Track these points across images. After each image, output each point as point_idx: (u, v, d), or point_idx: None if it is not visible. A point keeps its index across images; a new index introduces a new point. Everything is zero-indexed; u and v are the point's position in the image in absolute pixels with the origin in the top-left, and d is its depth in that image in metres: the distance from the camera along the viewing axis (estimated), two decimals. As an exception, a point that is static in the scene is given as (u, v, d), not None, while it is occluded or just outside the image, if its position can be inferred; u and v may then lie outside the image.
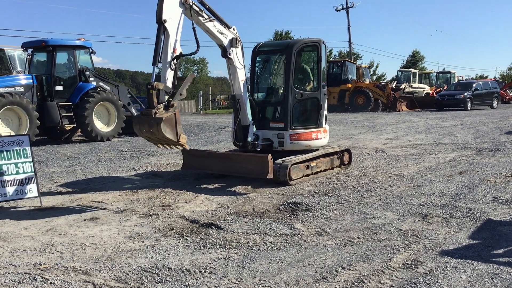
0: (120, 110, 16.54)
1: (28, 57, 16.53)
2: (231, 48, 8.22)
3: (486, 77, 78.54)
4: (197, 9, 7.46)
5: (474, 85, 31.90)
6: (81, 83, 15.95)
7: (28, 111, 14.05)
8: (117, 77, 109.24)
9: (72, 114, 15.44)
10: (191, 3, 7.30)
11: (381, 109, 31.13)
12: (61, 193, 8.05)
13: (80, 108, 15.43)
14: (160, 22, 6.85)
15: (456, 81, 40.78)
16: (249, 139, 8.55)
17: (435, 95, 34.60)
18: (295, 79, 8.71)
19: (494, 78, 65.56)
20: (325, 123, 9.19)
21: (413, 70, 41.61)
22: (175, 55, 6.99)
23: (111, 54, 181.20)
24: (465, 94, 30.22)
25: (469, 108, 30.02)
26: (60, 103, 15.23)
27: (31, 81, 14.96)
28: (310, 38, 9.11)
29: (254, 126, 8.67)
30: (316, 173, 8.86)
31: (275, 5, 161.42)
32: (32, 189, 7.15)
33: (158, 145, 7.29)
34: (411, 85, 37.40)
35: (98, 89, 16.13)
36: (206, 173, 9.28)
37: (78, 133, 17.10)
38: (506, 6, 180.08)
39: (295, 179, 8.28)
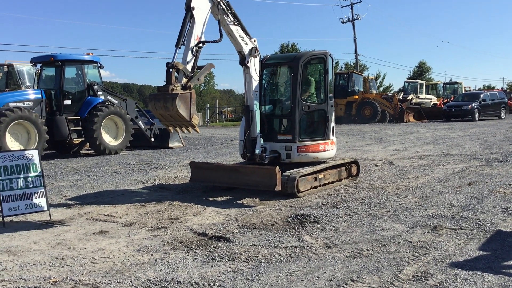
0: (128, 124, 16.62)
1: (37, 72, 16.68)
2: (250, 57, 8.42)
3: (493, 88, 78.26)
4: (223, 7, 7.81)
5: (481, 95, 31.80)
6: (89, 97, 16.05)
7: (37, 125, 14.15)
8: (125, 91, 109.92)
9: (80, 128, 15.52)
10: (219, 0, 7.67)
11: (388, 120, 31.06)
12: (70, 206, 8.08)
13: (89, 122, 15.52)
14: (188, 9, 7.19)
15: (463, 91, 40.67)
16: (257, 151, 8.57)
17: (442, 106, 34.49)
18: (302, 92, 8.77)
19: (502, 88, 65.36)
20: (333, 135, 9.22)
21: (420, 81, 41.54)
22: (198, 41, 7.27)
23: (119, 68, 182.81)
24: (473, 104, 30.12)
25: (477, 119, 29.90)
26: (68, 117, 15.32)
27: (40, 95, 15.09)
28: (317, 51, 9.24)
29: (261, 138, 8.71)
30: (324, 185, 8.85)
31: (281, 18, 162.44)
32: (41, 203, 7.18)
33: (170, 127, 7.47)
34: (418, 96, 37.30)
35: (107, 103, 16.23)
36: (214, 185, 9.30)
37: (87, 147, 17.17)
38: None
39: (303, 191, 8.28)
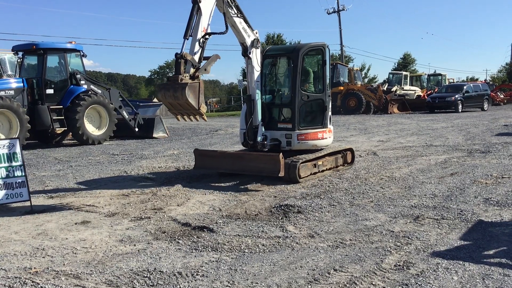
0: (112, 113, 16.47)
1: (18, 60, 16.42)
2: (252, 48, 8.67)
3: (477, 80, 79.08)
4: (228, 0, 8.05)
5: (465, 87, 32.08)
6: (72, 86, 15.87)
7: (18, 114, 13.96)
8: (109, 80, 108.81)
9: (63, 117, 15.35)
10: None
11: (373, 111, 31.22)
12: (52, 197, 7.99)
13: (71, 111, 15.36)
14: (196, 2, 7.42)
15: (447, 83, 40.99)
16: (259, 139, 8.90)
17: (426, 97, 34.76)
18: (302, 82, 9.05)
19: (485, 80, 66.02)
20: (330, 123, 9.53)
21: (404, 73, 41.77)
22: (204, 33, 7.50)
23: (102, 57, 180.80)
24: (456, 96, 30.39)
25: (460, 110, 30.17)
26: (51, 107, 15.15)
27: (22, 84, 14.88)
28: (315, 42, 9.45)
29: (262, 126, 8.98)
30: (322, 171, 9.19)
31: (267, 8, 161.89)
32: (22, 193, 7.09)
33: (178, 116, 7.67)
34: (403, 88, 37.56)
35: (89, 92, 16.06)
36: (200, 175, 9.30)
37: (69, 137, 17.01)
38: (497, 10, 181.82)
39: (304, 177, 8.59)
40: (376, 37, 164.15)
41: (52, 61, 15.94)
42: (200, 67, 7.44)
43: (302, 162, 8.51)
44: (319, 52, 9.42)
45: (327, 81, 9.34)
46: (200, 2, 7.43)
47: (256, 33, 8.79)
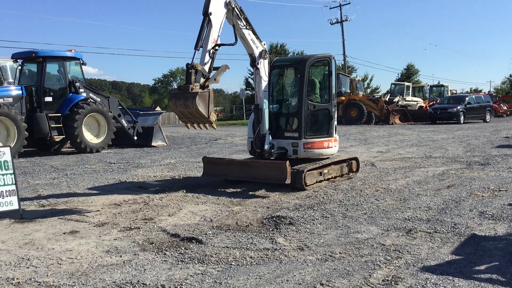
0: (110, 122, 16.44)
1: (18, 68, 16.44)
2: (260, 59, 8.93)
3: (480, 91, 79.00)
4: (237, 12, 8.31)
5: (467, 98, 31.99)
6: (71, 94, 15.87)
7: (16, 122, 13.94)
8: (113, 89, 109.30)
9: (61, 125, 15.33)
10: (233, 6, 8.18)
11: (374, 122, 31.16)
12: (43, 205, 7.92)
13: (70, 119, 15.34)
14: (206, 14, 7.67)
15: (449, 94, 40.91)
16: (266, 147, 9.12)
17: (428, 108, 34.66)
18: (308, 92, 9.27)
19: (489, 91, 65.90)
20: (335, 132, 9.76)
21: (406, 83, 41.74)
22: (214, 44, 7.73)
23: (107, 65, 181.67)
24: (458, 107, 30.29)
25: (461, 122, 30.06)
26: (49, 114, 15.13)
27: (21, 92, 14.88)
28: (321, 54, 9.67)
29: (270, 135, 9.20)
30: (328, 179, 9.36)
31: (270, 18, 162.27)
32: (12, 202, 7.03)
33: (188, 124, 7.88)
34: (405, 98, 37.49)
35: (88, 100, 16.05)
36: (195, 184, 9.25)
37: (68, 145, 16.98)
38: (502, 21, 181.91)
39: (309, 185, 8.77)
40: (379, 47, 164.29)
41: (51, 68, 15.96)
42: (210, 77, 7.65)
43: (308, 170, 8.68)
44: (325, 63, 9.69)
45: (333, 91, 9.62)
46: (210, 14, 7.67)
47: (264, 44, 9.05)
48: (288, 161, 8.46)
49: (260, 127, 9.05)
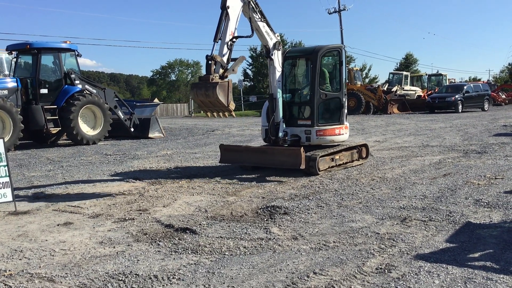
0: (107, 113, 16.38)
1: (13, 60, 16.34)
2: (274, 50, 9.28)
3: (479, 80, 78.81)
4: (253, 5, 8.70)
5: (465, 87, 31.92)
6: (66, 86, 15.78)
7: (11, 114, 13.87)
8: (111, 81, 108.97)
9: (57, 117, 15.26)
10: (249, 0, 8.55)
11: (372, 111, 31.09)
12: (38, 197, 7.90)
13: (66, 111, 15.27)
14: (224, 8, 8.01)
15: (447, 83, 40.79)
16: (280, 135, 9.51)
17: (426, 97, 34.59)
18: (320, 81, 9.59)
19: (487, 80, 65.74)
20: (346, 120, 10.11)
21: (404, 73, 41.56)
22: (232, 36, 8.07)
23: (105, 57, 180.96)
24: (456, 96, 30.23)
25: (460, 111, 30.02)
26: (45, 106, 15.06)
27: (16, 84, 14.80)
28: (332, 44, 10.05)
29: (283, 123, 9.57)
30: (339, 165, 9.71)
31: (266, 9, 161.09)
32: (6, 194, 6.99)
33: (208, 113, 8.22)
34: (403, 88, 37.36)
35: (84, 92, 15.97)
36: (190, 175, 9.20)
37: (64, 137, 16.92)
38: (500, 10, 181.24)
39: (322, 170, 9.18)
40: (378, 37, 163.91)
41: (47, 60, 15.86)
42: (228, 67, 7.94)
43: (321, 156, 9.06)
44: (336, 53, 10.05)
45: (343, 80, 9.99)
46: (228, 8, 8.00)
47: (278, 36, 9.36)
48: (302, 147, 8.82)
49: (274, 116, 9.41)
